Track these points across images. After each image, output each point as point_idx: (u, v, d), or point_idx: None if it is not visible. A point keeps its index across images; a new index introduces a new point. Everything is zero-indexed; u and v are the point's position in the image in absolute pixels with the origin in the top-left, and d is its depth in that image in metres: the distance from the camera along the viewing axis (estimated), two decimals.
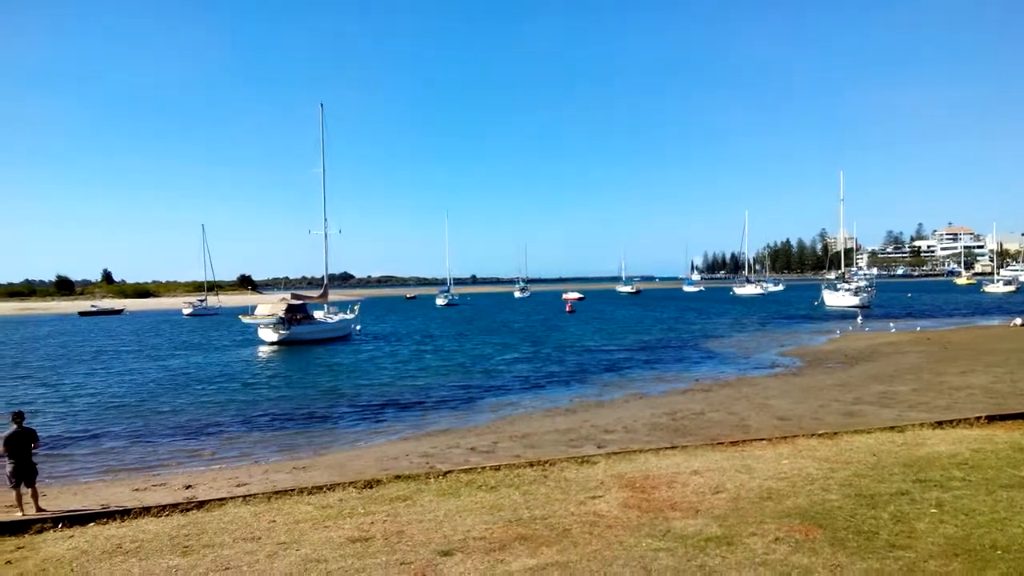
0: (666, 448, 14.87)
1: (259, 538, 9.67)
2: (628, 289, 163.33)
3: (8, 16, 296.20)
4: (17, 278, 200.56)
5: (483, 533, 9.29)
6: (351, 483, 12.87)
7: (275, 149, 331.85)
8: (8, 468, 11.94)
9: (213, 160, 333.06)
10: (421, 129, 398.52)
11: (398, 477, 13.21)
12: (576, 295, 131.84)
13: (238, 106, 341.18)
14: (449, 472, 13.41)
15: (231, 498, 12.23)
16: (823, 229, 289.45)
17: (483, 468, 13.66)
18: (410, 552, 8.68)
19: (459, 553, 8.56)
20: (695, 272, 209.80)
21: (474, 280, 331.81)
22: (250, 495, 12.39)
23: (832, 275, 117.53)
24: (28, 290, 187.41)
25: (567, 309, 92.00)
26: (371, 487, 12.60)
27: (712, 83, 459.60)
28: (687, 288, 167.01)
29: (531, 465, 13.61)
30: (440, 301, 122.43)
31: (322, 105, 59.27)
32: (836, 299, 79.72)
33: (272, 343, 49.89)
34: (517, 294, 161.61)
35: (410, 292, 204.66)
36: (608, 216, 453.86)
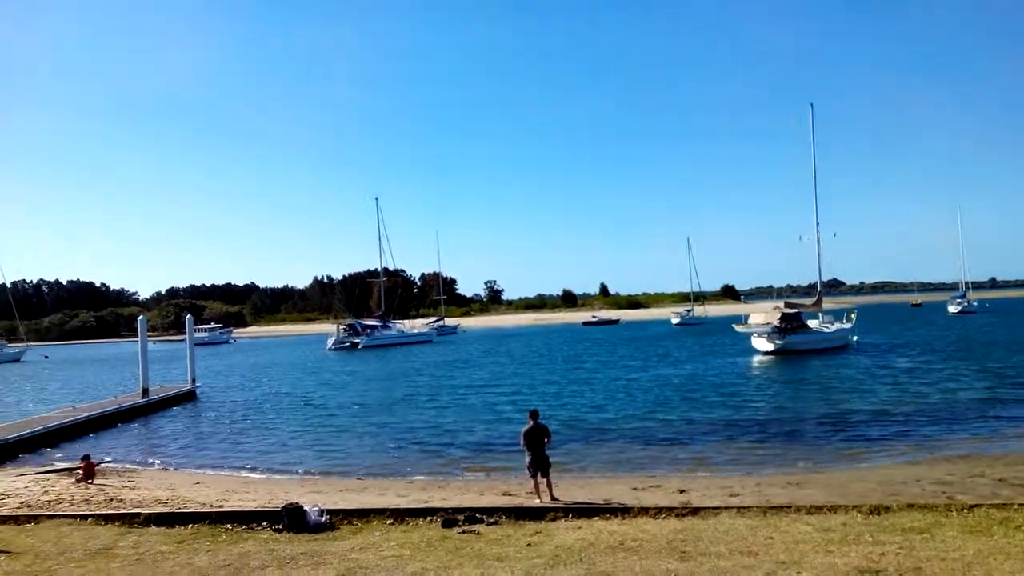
0: None
1: (756, 553, 9.22)
2: None
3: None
4: (532, 293, 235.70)
5: None
6: (855, 507, 11.67)
7: (755, 153, 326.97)
8: (527, 459, 13.50)
9: (698, 168, 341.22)
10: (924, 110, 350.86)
11: (911, 505, 11.60)
12: None
13: (723, 109, 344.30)
14: (976, 506, 11.34)
15: (725, 508, 12.02)
16: None
17: (1022, 505, 11.28)
18: None
19: None
20: None
21: (993, 284, 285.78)
22: (744, 507, 12.03)
23: None
24: (540, 303, 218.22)
25: None
26: (878, 513, 11.26)
27: None
28: None
29: None
30: (952, 308, 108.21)
31: (812, 105, 57.79)
32: None
33: (766, 353, 49.20)
34: None
35: (915, 299, 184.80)
36: None
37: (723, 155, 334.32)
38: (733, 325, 56.46)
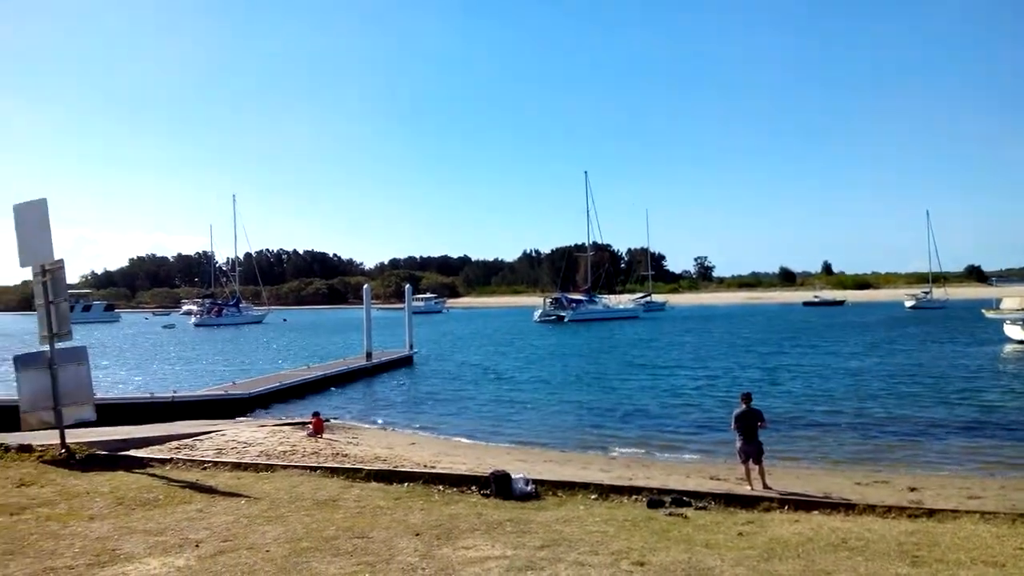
0: None
1: (1003, 565, 8.16)
2: None
3: None
4: (746, 271, 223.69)
5: None
6: None
7: (1004, 112, 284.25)
8: (738, 444, 12.89)
9: (937, 132, 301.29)
10: None
11: None
12: None
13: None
14: None
15: (965, 512, 10.80)
16: None
17: None
18: None
19: None
20: None
21: None
22: (988, 512, 10.74)
23: None
24: (755, 282, 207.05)
25: None
26: None
27: None
28: None
29: None
30: None
31: None
32: None
33: (1020, 341, 44.56)
34: None
35: None
36: None
37: (966, 116, 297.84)
38: (982, 310, 51.51)
